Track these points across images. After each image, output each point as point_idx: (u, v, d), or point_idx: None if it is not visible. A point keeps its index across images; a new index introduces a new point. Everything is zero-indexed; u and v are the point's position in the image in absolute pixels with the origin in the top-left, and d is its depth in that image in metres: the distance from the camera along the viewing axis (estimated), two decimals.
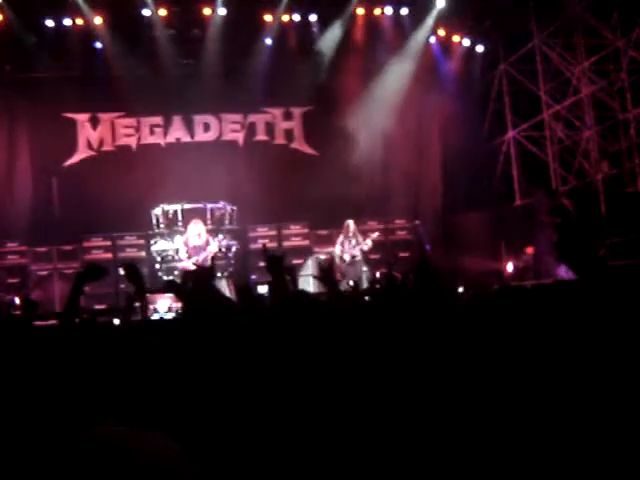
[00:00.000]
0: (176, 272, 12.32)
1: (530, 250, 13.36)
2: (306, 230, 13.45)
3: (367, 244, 12.29)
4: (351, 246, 12.31)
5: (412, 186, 14.44)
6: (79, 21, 13.22)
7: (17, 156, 13.65)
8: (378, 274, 12.37)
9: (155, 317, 9.45)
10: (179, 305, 9.49)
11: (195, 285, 4.26)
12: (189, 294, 4.17)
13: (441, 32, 14.33)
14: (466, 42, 14.51)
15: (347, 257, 12.28)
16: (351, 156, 13.38)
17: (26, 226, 12.92)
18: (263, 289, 10.09)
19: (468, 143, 14.05)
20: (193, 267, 11.86)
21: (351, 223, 12.42)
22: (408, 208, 14.11)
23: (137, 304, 4.58)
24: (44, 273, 12.80)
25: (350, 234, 12.39)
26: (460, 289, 9.64)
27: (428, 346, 2.86)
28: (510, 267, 13.55)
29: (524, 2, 13.43)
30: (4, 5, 12.75)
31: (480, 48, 14.51)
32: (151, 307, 9.98)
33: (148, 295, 10.13)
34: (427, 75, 14.23)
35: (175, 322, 4.87)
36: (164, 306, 10.23)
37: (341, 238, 12.42)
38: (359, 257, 12.36)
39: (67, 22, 13.21)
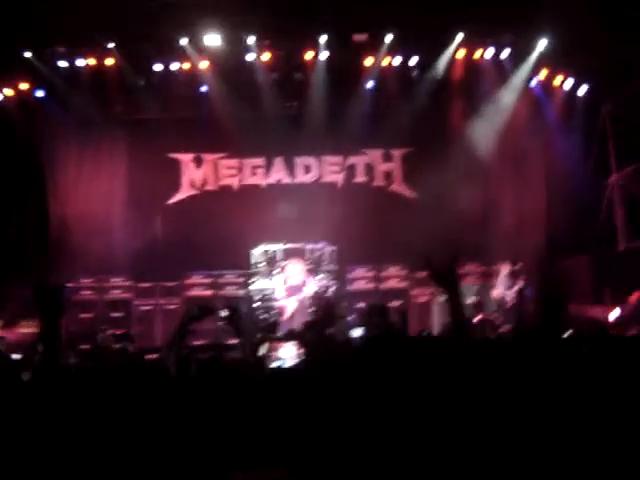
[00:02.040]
0: (273, 311, 12.55)
1: (634, 298, 13.05)
2: (405, 272, 13.50)
3: (520, 285, 12.27)
4: (507, 287, 12.30)
5: (513, 228, 14.35)
6: (186, 65, 13.86)
7: (121, 194, 14.34)
8: (476, 319, 12.30)
9: (275, 364, 9.63)
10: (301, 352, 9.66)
11: (316, 333, 4.38)
12: (310, 342, 4.27)
13: (542, 74, 14.31)
14: (569, 83, 14.43)
15: (508, 299, 12.27)
16: (451, 198, 13.44)
17: (130, 262, 13.44)
18: (358, 332, 10.21)
19: (572, 186, 13.90)
20: (291, 306, 12.12)
21: (507, 266, 12.47)
22: (509, 251, 13.99)
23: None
24: (147, 308, 13.23)
25: (505, 275, 12.41)
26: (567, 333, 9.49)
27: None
28: (614, 314, 13.24)
29: (628, 41, 13.29)
30: (115, 50, 13.44)
31: (583, 89, 14.40)
32: (275, 354, 10.13)
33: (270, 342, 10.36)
34: (529, 116, 14.27)
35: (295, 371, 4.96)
36: (288, 353, 10.35)
37: (500, 280, 12.48)
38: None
39: (174, 66, 13.86)
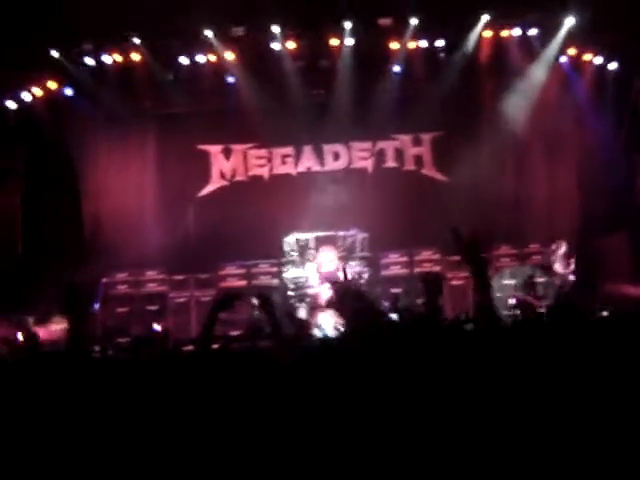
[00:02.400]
0: (308, 299, 12.59)
1: None
2: (437, 256, 13.46)
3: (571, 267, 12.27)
4: (563, 267, 12.34)
5: (546, 208, 14.26)
6: (212, 57, 13.93)
7: (152, 187, 14.50)
8: (513, 301, 12.25)
9: (318, 334, 9.73)
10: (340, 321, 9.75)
11: (354, 301, 4.37)
12: (350, 310, 4.27)
13: (571, 51, 14.17)
14: (598, 60, 14.27)
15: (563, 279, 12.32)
16: (481, 180, 13.40)
17: (164, 255, 13.53)
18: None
19: (605, 162, 13.78)
20: (325, 293, 12.14)
21: (564, 244, 12.43)
22: (543, 231, 13.93)
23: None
24: (182, 301, 13.35)
25: (562, 254, 12.42)
26: (604, 313, 9.42)
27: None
28: None
29: None
30: (141, 45, 13.54)
31: (613, 65, 14.23)
32: (314, 323, 10.23)
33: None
34: (559, 95, 14.14)
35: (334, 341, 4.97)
36: (327, 322, 10.44)
37: (557, 258, 12.46)
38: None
39: (200, 59, 13.93)
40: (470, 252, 3.62)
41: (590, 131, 13.93)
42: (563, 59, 14.24)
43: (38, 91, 13.83)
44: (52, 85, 13.86)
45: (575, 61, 14.33)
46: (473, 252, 3.61)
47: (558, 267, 12.40)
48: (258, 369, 3.59)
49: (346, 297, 4.46)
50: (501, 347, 3.18)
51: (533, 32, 13.90)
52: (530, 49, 14.07)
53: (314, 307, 11.93)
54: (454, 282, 13.22)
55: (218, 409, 3.13)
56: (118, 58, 13.75)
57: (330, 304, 11.95)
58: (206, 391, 3.27)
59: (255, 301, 4.61)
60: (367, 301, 4.32)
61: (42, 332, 11.14)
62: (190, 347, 10.54)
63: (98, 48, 13.67)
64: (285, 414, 3.03)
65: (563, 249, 12.40)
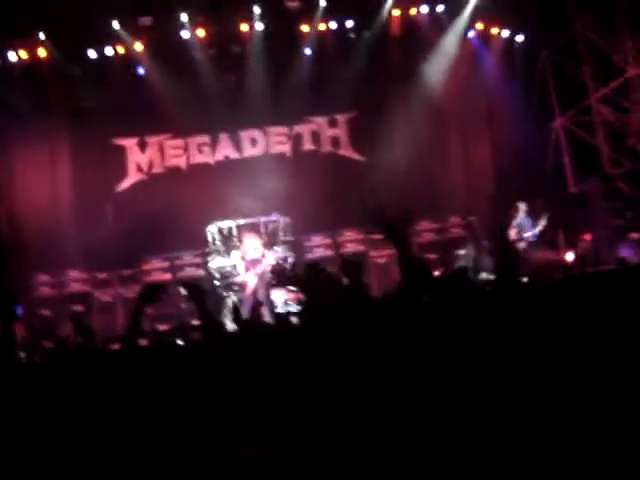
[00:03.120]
0: (235, 287, 12.62)
1: (588, 237, 13.40)
2: (361, 236, 13.66)
3: (542, 225, 12.51)
4: (528, 227, 12.57)
5: (462, 182, 14.63)
6: (120, 49, 13.71)
7: (68, 185, 14.24)
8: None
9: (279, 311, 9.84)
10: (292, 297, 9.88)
11: (313, 275, 4.34)
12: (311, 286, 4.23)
13: (479, 25, 14.49)
14: (505, 33, 14.63)
15: (529, 238, 12.54)
16: (398, 158, 13.64)
17: (85, 254, 13.40)
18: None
19: (516, 134, 14.16)
20: (252, 280, 12.20)
21: (522, 205, 12.68)
22: (460, 205, 14.28)
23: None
24: (107, 299, 13.23)
25: (523, 215, 12.65)
26: (524, 279, 9.72)
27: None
28: (570, 256, 13.57)
29: None
30: (46, 41, 13.27)
31: (520, 38, 14.61)
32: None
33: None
34: (469, 70, 14.49)
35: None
36: (280, 300, 10.52)
37: (517, 221, 12.70)
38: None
39: (109, 51, 13.71)
40: (391, 230, 3.70)
41: (501, 104, 14.30)
42: (471, 34, 14.52)
43: None
44: None
45: (483, 35, 14.65)
46: (394, 229, 3.69)
47: (515, 230, 12.64)
48: (190, 362, 3.61)
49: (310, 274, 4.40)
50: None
51: (440, 8, 14.15)
52: (439, 25, 14.31)
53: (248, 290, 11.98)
54: (378, 260, 13.45)
55: (149, 406, 3.14)
56: (23, 55, 13.42)
57: (268, 287, 12.05)
58: (135, 388, 3.26)
59: (183, 291, 4.59)
60: (327, 275, 4.32)
61: None
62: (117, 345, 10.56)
63: (2, 45, 13.31)
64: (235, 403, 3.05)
65: (524, 209, 12.70)
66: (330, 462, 2.52)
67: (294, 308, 9.92)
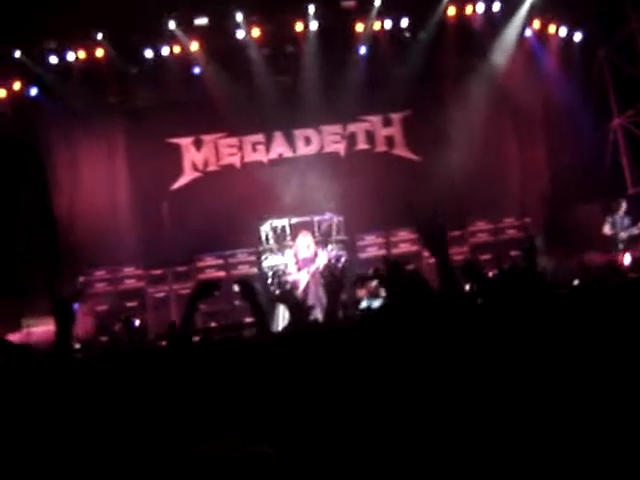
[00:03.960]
0: (287, 286, 12.70)
1: None
2: (414, 236, 13.63)
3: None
4: (624, 225, 12.46)
5: (519, 183, 14.54)
6: (176, 49, 13.95)
7: (124, 183, 14.51)
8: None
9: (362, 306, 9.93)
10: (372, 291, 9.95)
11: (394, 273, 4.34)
12: (393, 281, 4.24)
13: (536, 24, 14.40)
14: (563, 32, 14.52)
15: (624, 236, 12.42)
16: (454, 158, 13.63)
17: (140, 251, 13.65)
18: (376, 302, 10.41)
19: (574, 134, 14.04)
20: (304, 279, 12.29)
21: (623, 203, 12.59)
22: (517, 205, 14.19)
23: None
24: (161, 295, 13.46)
25: (621, 212, 12.54)
26: (576, 282, 9.61)
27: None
28: (627, 259, 13.37)
29: None
30: (104, 41, 13.55)
31: (578, 36, 14.49)
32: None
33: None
34: (526, 68, 14.39)
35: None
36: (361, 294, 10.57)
37: (614, 217, 12.60)
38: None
39: (165, 51, 13.96)
40: (430, 240, 3.73)
41: (558, 104, 14.17)
42: (528, 33, 14.44)
43: (2, 92, 13.77)
44: (16, 85, 13.79)
45: (540, 34, 14.56)
46: (433, 240, 3.71)
47: (609, 226, 12.49)
48: (243, 359, 3.54)
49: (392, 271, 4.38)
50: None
51: (497, 6, 14.09)
52: (495, 24, 14.26)
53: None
54: (432, 260, 13.39)
55: (201, 401, 3.12)
56: (82, 55, 13.72)
57: (311, 288, 12.11)
58: (187, 383, 3.25)
59: (236, 288, 4.64)
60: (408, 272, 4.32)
61: (28, 335, 11.30)
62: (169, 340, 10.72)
63: (61, 46, 13.65)
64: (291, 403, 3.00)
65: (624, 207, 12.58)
66: (340, 464, 2.53)
67: (376, 303, 9.94)
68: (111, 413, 3.12)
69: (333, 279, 5.02)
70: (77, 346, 10.04)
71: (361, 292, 10.78)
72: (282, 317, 12.06)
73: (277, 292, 10.22)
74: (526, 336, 2.94)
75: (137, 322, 11.91)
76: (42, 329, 10.99)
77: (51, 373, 3.59)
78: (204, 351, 4.08)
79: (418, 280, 3.72)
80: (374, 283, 10.27)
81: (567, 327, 3.05)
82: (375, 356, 2.89)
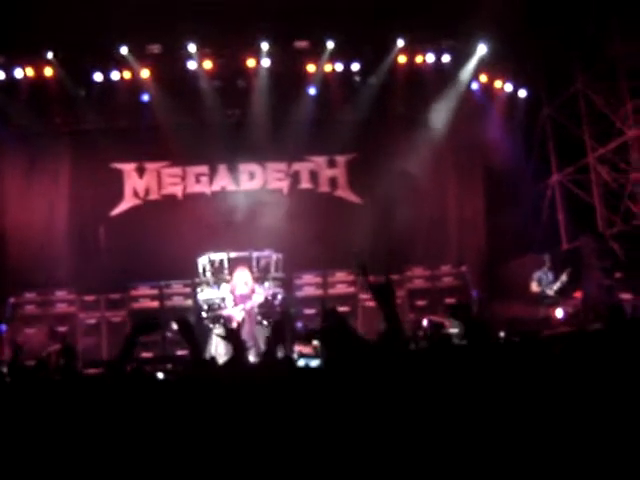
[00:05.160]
0: (222, 320, 12.71)
1: (578, 294, 13.54)
2: (352, 277, 13.82)
3: (563, 279, 12.47)
4: (549, 281, 12.58)
5: (457, 233, 14.86)
6: (126, 74, 14.00)
7: (64, 205, 14.46)
8: (425, 322, 12.61)
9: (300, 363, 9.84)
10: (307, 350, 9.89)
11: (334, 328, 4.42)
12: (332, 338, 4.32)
13: (483, 78, 14.85)
14: (508, 87, 14.97)
15: (550, 292, 12.53)
16: (395, 203, 13.87)
17: (74, 274, 13.54)
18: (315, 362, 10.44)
19: (513, 188, 14.43)
20: (239, 315, 12.32)
21: (547, 259, 12.73)
22: (454, 254, 14.49)
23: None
24: (92, 322, 13.34)
25: (546, 268, 12.65)
26: (501, 334, 9.81)
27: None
28: (560, 313, 13.68)
29: (566, 46, 13.86)
30: (54, 60, 13.52)
31: (523, 93, 14.96)
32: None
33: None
34: (470, 120, 14.73)
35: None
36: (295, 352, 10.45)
37: (539, 273, 12.67)
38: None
39: (115, 76, 13.99)
40: (375, 288, 3.89)
41: (500, 157, 14.55)
42: (475, 86, 14.84)
43: None
44: None
45: (486, 88, 14.96)
46: (378, 287, 3.88)
47: (544, 281, 12.71)
48: (178, 392, 3.65)
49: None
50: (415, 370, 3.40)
51: (446, 58, 14.46)
52: (443, 75, 14.62)
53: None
54: (368, 303, 13.60)
55: (136, 433, 3.18)
56: (30, 72, 13.67)
57: (245, 325, 12.13)
58: (125, 414, 3.31)
59: (175, 326, 4.68)
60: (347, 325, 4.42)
61: None
62: (99, 369, 10.64)
63: (10, 61, 13.60)
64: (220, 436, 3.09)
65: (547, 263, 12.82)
66: None
67: (314, 362, 9.90)
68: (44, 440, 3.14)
69: (280, 318, 5.11)
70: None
71: (302, 348, 10.77)
72: (215, 349, 12.09)
73: (222, 330, 10.16)
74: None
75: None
76: None
77: None
78: (139, 383, 4.13)
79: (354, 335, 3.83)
80: (315, 342, 10.28)
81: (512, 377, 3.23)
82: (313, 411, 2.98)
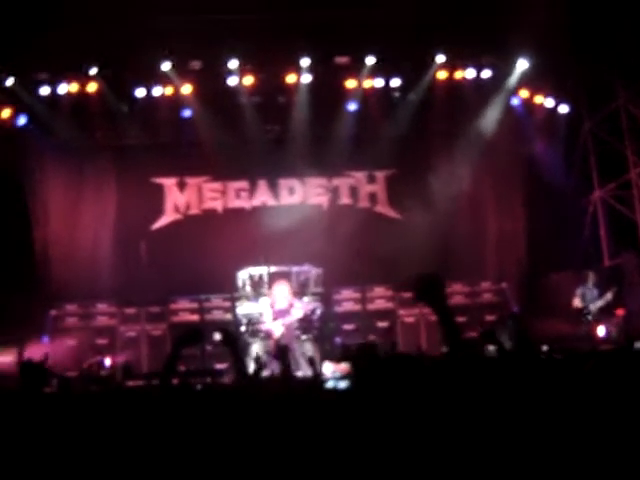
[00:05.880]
0: (261, 335, 12.80)
1: (621, 312, 13.41)
2: (390, 293, 13.84)
3: (608, 298, 12.43)
4: (593, 297, 12.54)
5: (496, 248, 14.80)
6: (168, 90, 14.22)
7: (105, 219, 14.69)
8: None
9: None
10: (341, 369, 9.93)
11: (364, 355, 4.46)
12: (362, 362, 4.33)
13: (524, 93, 14.80)
14: (549, 102, 14.91)
15: (593, 309, 12.50)
16: (434, 219, 13.88)
17: (115, 287, 13.75)
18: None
19: (554, 204, 14.36)
20: (278, 330, 12.40)
21: (591, 275, 12.71)
22: (494, 270, 14.44)
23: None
24: (132, 334, 13.50)
25: (590, 285, 12.62)
26: (544, 348, 9.75)
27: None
28: (601, 331, 13.54)
29: (608, 61, 13.81)
30: (97, 76, 13.77)
31: (564, 108, 14.89)
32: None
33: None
34: (511, 136, 14.74)
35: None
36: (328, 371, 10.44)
37: (582, 289, 12.65)
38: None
39: (157, 91, 14.21)
40: (428, 293, 3.61)
41: (541, 172, 14.52)
42: (515, 101, 14.82)
43: None
44: (5, 113, 13.96)
45: (527, 103, 14.94)
46: (431, 292, 3.61)
47: (588, 296, 12.65)
48: (224, 406, 3.69)
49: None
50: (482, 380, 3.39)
51: (487, 74, 14.48)
52: (483, 90, 14.64)
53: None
54: (407, 319, 13.62)
55: (184, 446, 3.20)
56: (74, 88, 13.94)
57: (293, 338, 12.21)
58: (173, 427, 3.34)
59: (217, 336, 4.73)
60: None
61: None
62: (139, 382, 10.77)
63: (54, 77, 13.88)
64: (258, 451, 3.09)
65: (593, 279, 12.76)
66: None
67: (343, 383, 9.89)
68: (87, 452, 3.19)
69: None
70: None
71: (335, 367, 10.76)
72: (254, 363, 12.17)
73: (273, 350, 10.19)
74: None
75: (108, 362, 11.97)
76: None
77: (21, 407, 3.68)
78: (186, 396, 4.23)
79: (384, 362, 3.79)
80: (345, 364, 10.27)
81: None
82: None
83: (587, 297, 12.58)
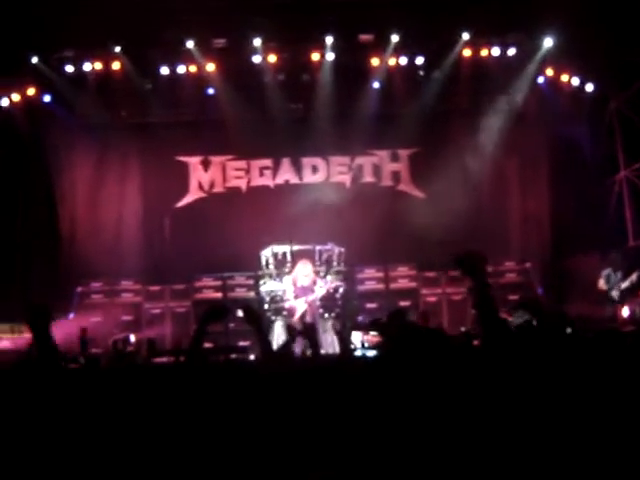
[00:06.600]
0: (284, 312, 12.91)
1: None
2: (413, 272, 13.89)
3: (633, 279, 12.28)
4: (617, 279, 12.48)
5: (520, 228, 14.76)
6: (192, 68, 14.29)
7: (130, 197, 14.85)
8: None
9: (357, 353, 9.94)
10: (370, 339, 10.01)
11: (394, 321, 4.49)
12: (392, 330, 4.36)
13: (549, 72, 14.70)
14: (575, 81, 14.80)
15: (617, 290, 12.43)
16: (458, 198, 13.84)
17: (139, 265, 13.94)
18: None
19: (579, 183, 14.28)
20: (300, 307, 12.51)
21: (616, 257, 12.64)
22: (518, 250, 14.41)
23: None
24: (157, 311, 13.68)
25: (614, 266, 12.52)
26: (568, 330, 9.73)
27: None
28: (626, 311, 13.49)
29: (634, 40, 13.66)
30: (121, 54, 13.84)
31: (590, 87, 14.77)
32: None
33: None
34: (535, 115, 14.68)
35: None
36: (357, 340, 10.51)
37: (607, 271, 12.58)
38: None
39: (181, 69, 14.29)
40: (469, 264, 3.72)
41: (566, 152, 14.43)
42: (541, 79, 14.73)
43: (16, 96, 14.07)
44: (31, 91, 14.11)
45: (552, 82, 14.83)
46: (476, 269, 3.71)
47: (612, 279, 12.59)
48: (249, 382, 3.73)
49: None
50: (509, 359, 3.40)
51: (512, 52, 14.40)
52: (508, 69, 14.57)
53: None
54: (429, 298, 13.66)
55: (211, 422, 3.28)
56: (98, 66, 14.07)
57: (305, 318, 12.33)
58: (200, 402, 3.40)
59: (240, 313, 4.77)
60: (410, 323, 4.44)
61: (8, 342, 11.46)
62: (164, 358, 10.91)
63: (79, 55, 14.00)
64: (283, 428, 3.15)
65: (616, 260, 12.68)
66: None
67: (371, 352, 9.94)
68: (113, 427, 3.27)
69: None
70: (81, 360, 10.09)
71: (363, 337, 10.78)
72: (276, 340, 12.31)
73: (299, 326, 10.28)
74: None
75: (133, 338, 12.12)
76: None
77: (40, 382, 3.75)
78: (215, 372, 4.29)
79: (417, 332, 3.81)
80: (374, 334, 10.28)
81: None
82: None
83: (612, 279, 12.53)
